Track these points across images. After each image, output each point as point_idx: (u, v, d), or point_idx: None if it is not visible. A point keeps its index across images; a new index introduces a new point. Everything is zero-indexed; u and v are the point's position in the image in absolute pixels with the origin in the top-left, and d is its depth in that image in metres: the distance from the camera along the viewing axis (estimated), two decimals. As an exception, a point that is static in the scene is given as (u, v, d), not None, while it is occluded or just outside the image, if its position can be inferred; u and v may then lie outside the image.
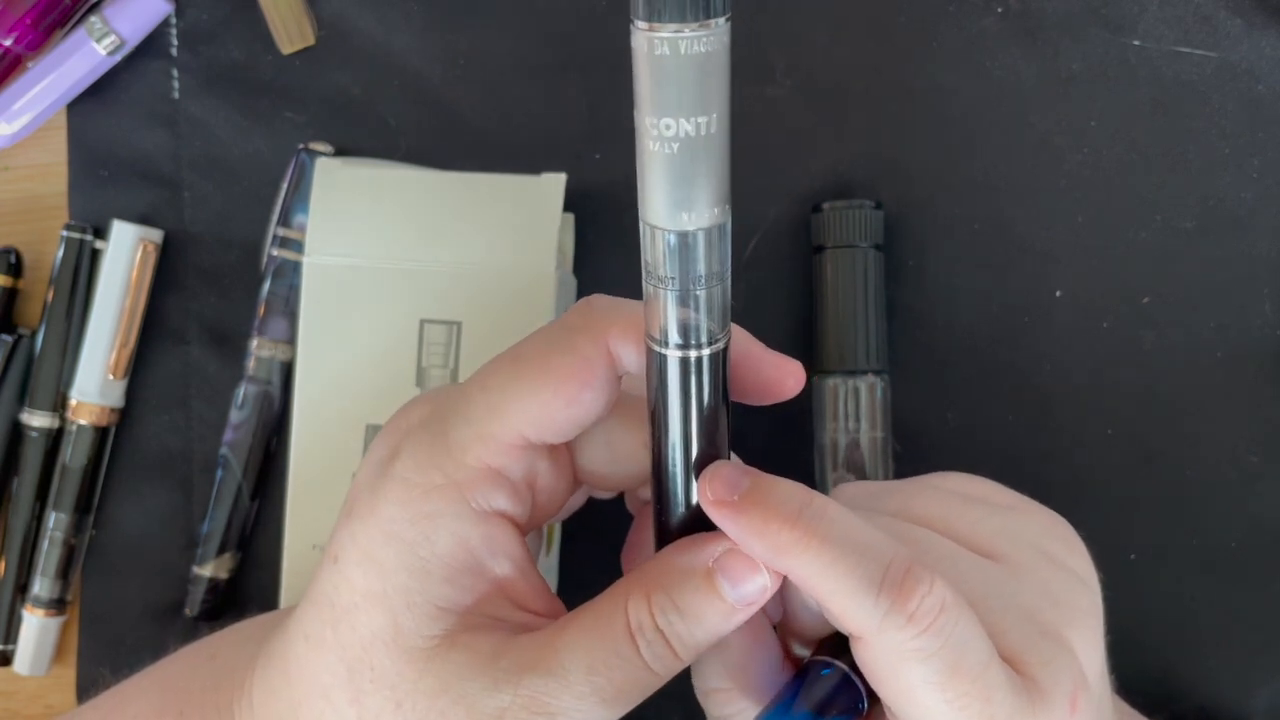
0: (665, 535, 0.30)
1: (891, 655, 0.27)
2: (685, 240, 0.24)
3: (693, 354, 0.26)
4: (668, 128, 0.22)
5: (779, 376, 0.31)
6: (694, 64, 0.21)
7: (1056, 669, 0.28)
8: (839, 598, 0.27)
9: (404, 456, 0.30)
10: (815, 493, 0.28)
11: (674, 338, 0.26)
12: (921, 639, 0.27)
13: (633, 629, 0.28)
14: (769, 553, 0.27)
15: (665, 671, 0.29)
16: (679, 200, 0.23)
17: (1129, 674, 0.44)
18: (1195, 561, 0.45)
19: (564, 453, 0.31)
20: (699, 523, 0.29)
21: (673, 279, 0.25)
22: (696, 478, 0.29)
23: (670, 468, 0.29)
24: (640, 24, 0.21)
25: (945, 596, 0.27)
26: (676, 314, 0.26)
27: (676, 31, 0.21)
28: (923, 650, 0.27)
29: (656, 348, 0.26)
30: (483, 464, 0.29)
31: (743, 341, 0.31)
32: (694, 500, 0.29)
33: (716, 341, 0.26)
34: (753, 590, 0.28)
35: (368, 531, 0.29)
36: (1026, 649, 0.28)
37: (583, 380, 0.29)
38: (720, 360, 0.27)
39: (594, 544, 0.35)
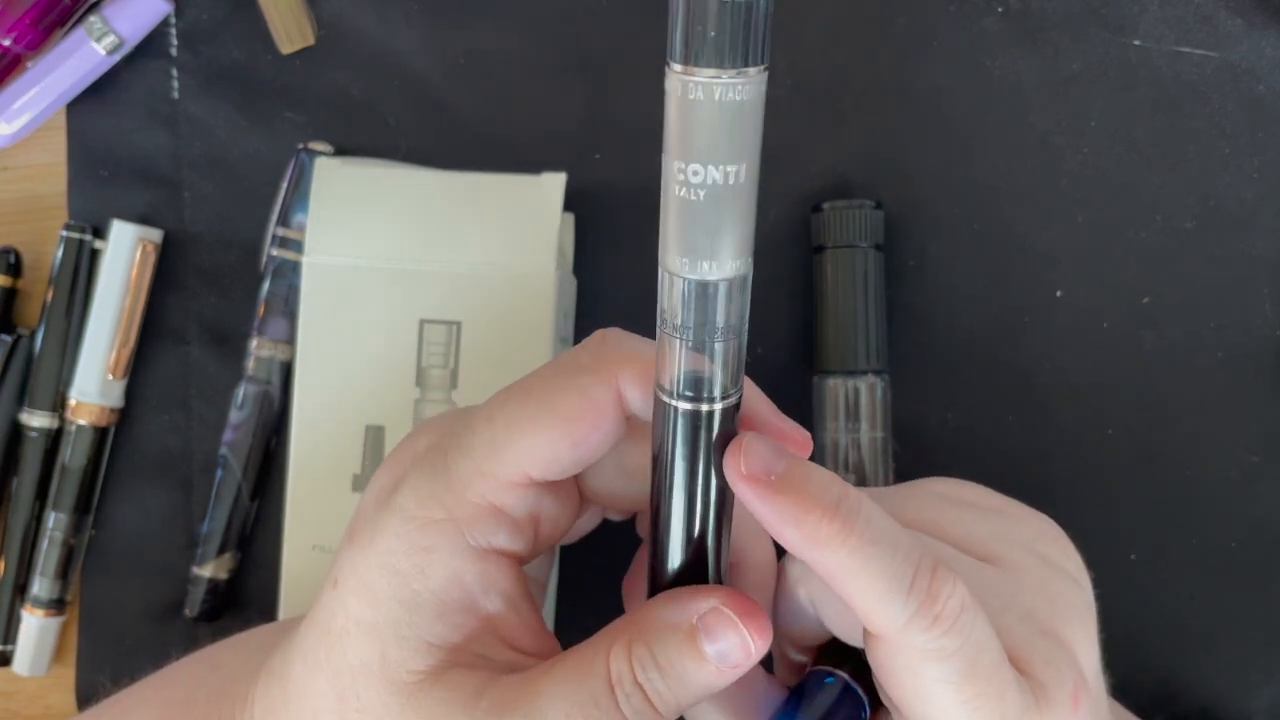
0: (658, 584, 0.29)
1: (911, 655, 0.27)
2: (705, 290, 0.24)
3: (703, 408, 0.26)
4: (695, 174, 0.22)
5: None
6: (728, 111, 0.21)
7: (1058, 667, 0.28)
8: (868, 596, 0.26)
9: (405, 488, 0.29)
10: (847, 483, 0.27)
11: (685, 390, 0.25)
12: (944, 639, 0.26)
13: (613, 680, 0.28)
14: (802, 542, 0.26)
15: None
16: (702, 249, 0.23)
17: (1129, 674, 0.44)
18: (1195, 561, 0.45)
19: (570, 482, 0.31)
20: (693, 575, 0.29)
21: (689, 329, 0.24)
22: (695, 533, 0.28)
23: (669, 520, 0.28)
24: (676, 66, 0.21)
25: (966, 597, 0.27)
26: (689, 366, 0.25)
27: (713, 77, 0.21)
28: (943, 650, 0.26)
29: (665, 398, 0.26)
30: (484, 501, 0.29)
31: (753, 400, 0.30)
32: (692, 553, 0.28)
33: (729, 397, 0.26)
34: (735, 652, 0.28)
35: (366, 560, 0.29)
36: (1028, 648, 0.28)
37: (590, 424, 0.29)
38: (730, 417, 0.26)
39: (594, 545, 0.35)
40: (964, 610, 0.27)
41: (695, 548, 0.28)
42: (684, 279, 0.24)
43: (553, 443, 0.28)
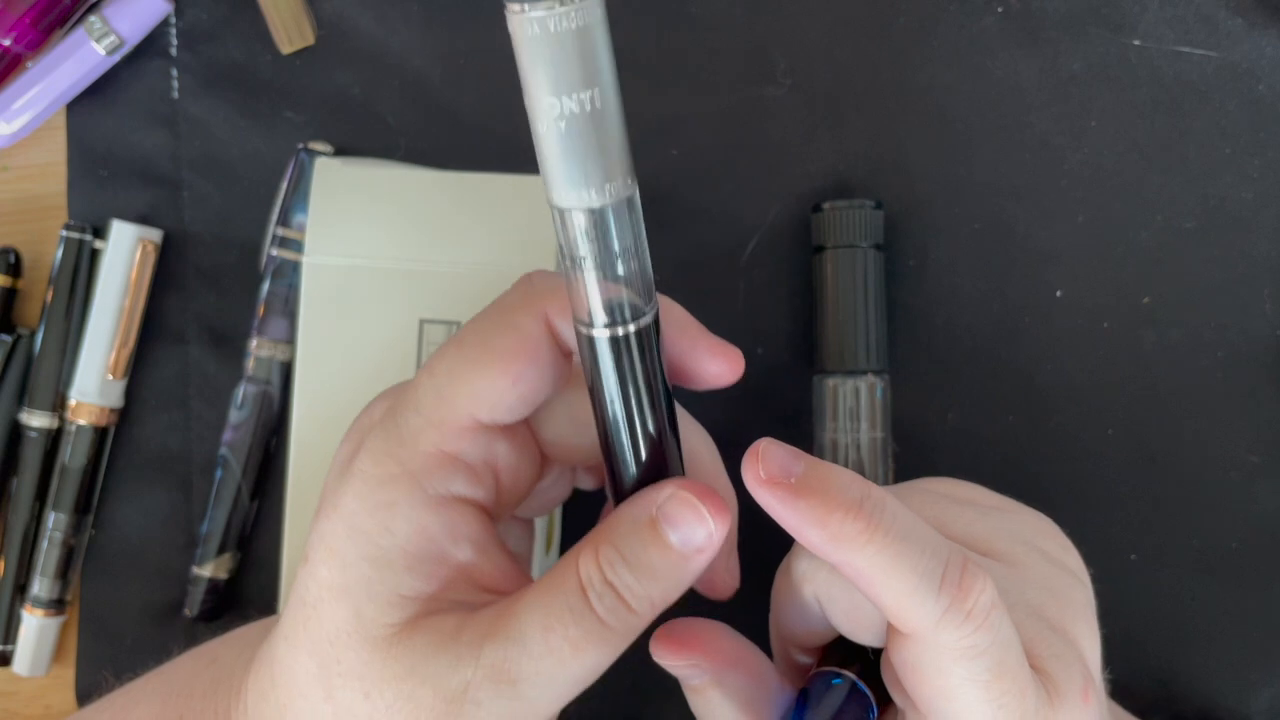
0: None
1: (941, 653, 0.27)
2: (592, 218, 0.24)
3: (619, 330, 0.26)
4: (552, 107, 0.22)
5: (714, 365, 0.31)
6: (568, 40, 0.22)
7: (1068, 663, 0.29)
8: (899, 593, 0.26)
9: (363, 452, 0.30)
10: (870, 483, 0.27)
11: (599, 317, 0.26)
12: (975, 636, 0.26)
13: (583, 583, 0.28)
14: (827, 543, 0.26)
15: (622, 626, 0.28)
16: (578, 178, 0.23)
17: (1129, 674, 0.44)
18: (1195, 561, 0.45)
19: (524, 430, 0.31)
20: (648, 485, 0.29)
21: (585, 259, 0.25)
22: (643, 455, 0.29)
23: (616, 447, 0.29)
24: (512, 6, 0.21)
25: (995, 594, 0.27)
26: (597, 293, 0.26)
27: (547, 10, 0.21)
28: (975, 648, 0.26)
29: (584, 330, 0.26)
30: (436, 450, 0.29)
31: (683, 322, 0.30)
32: (643, 474, 0.29)
33: (642, 316, 0.26)
34: (698, 535, 0.28)
35: (332, 527, 0.29)
36: (1039, 644, 0.28)
37: (526, 357, 0.29)
38: (649, 335, 0.27)
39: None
40: (993, 607, 0.26)
41: (646, 465, 0.29)
42: (569, 210, 0.24)
43: (493, 381, 0.29)
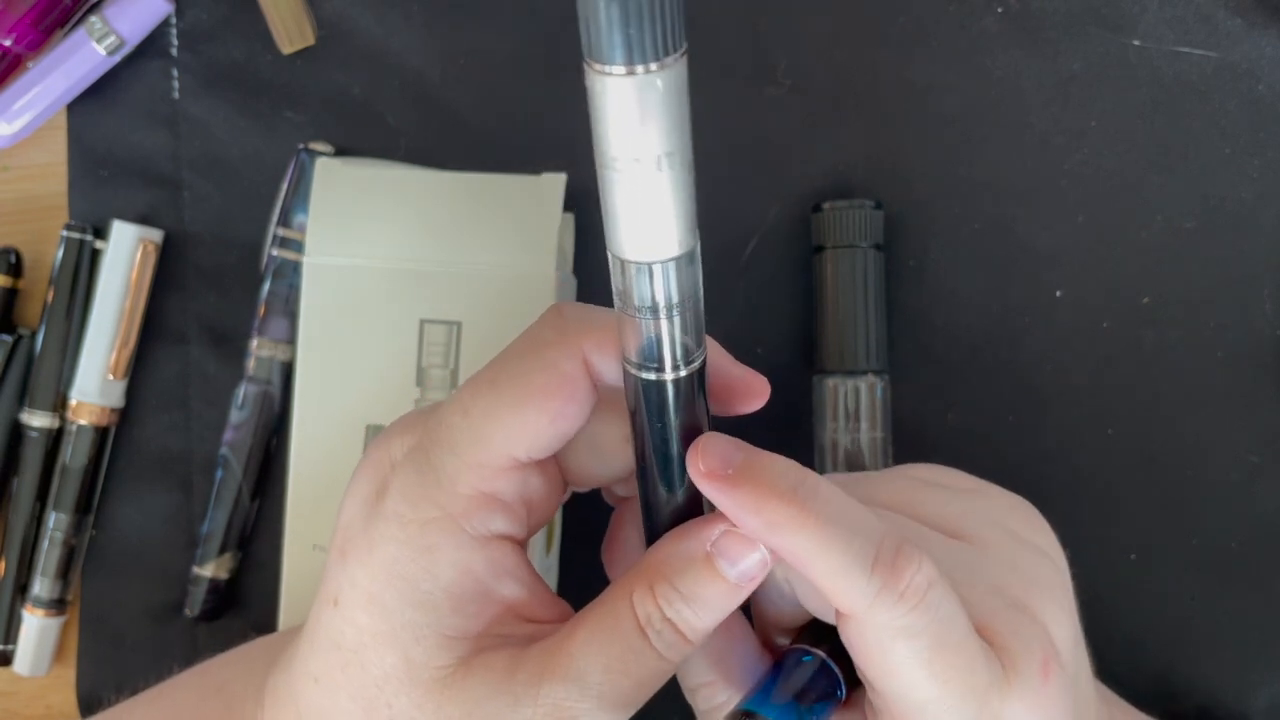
0: (656, 533, 0.30)
1: (880, 632, 0.27)
2: (655, 271, 0.24)
3: (669, 376, 0.26)
4: (633, 163, 0.22)
5: (744, 393, 0.31)
6: (654, 100, 0.21)
7: (1027, 638, 0.29)
8: (831, 576, 0.27)
9: (393, 493, 0.29)
10: (807, 470, 0.28)
11: (650, 361, 0.26)
12: (910, 616, 0.27)
13: (642, 623, 0.29)
14: (763, 529, 0.27)
15: (677, 657, 0.29)
16: (647, 234, 0.23)
17: (1129, 674, 0.44)
18: (1195, 561, 0.45)
19: (551, 460, 0.31)
20: (688, 517, 0.30)
21: (645, 308, 0.25)
22: (687, 490, 0.29)
23: (662, 482, 0.29)
24: (595, 64, 0.21)
25: (932, 573, 0.27)
26: (652, 339, 0.26)
27: (631, 71, 0.21)
28: (911, 627, 0.27)
29: (634, 371, 0.27)
30: (476, 491, 0.29)
31: (711, 355, 0.31)
32: (680, 509, 0.29)
33: (693, 361, 0.26)
34: (753, 566, 0.29)
35: (369, 572, 0.29)
36: (996, 620, 0.29)
37: (565, 396, 0.29)
38: (696, 378, 0.27)
39: (594, 544, 0.35)
40: (930, 587, 0.27)
41: (688, 497, 0.29)
42: (634, 263, 0.24)
43: (532, 422, 0.29)
